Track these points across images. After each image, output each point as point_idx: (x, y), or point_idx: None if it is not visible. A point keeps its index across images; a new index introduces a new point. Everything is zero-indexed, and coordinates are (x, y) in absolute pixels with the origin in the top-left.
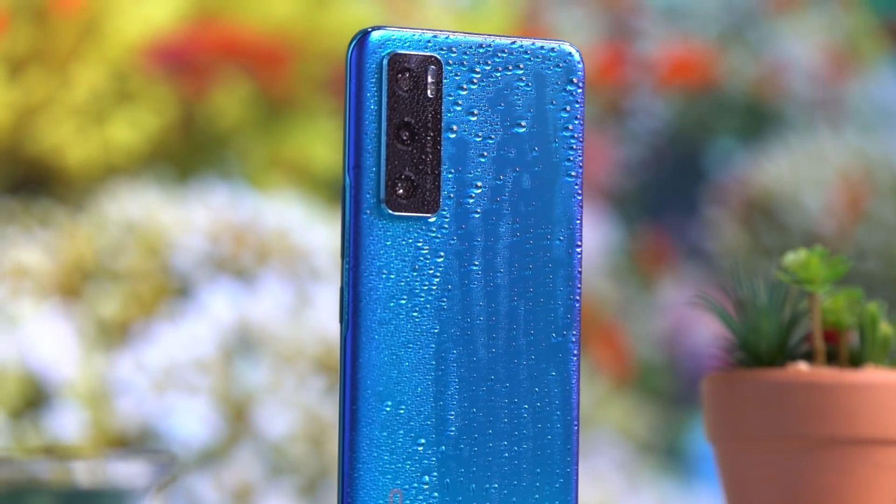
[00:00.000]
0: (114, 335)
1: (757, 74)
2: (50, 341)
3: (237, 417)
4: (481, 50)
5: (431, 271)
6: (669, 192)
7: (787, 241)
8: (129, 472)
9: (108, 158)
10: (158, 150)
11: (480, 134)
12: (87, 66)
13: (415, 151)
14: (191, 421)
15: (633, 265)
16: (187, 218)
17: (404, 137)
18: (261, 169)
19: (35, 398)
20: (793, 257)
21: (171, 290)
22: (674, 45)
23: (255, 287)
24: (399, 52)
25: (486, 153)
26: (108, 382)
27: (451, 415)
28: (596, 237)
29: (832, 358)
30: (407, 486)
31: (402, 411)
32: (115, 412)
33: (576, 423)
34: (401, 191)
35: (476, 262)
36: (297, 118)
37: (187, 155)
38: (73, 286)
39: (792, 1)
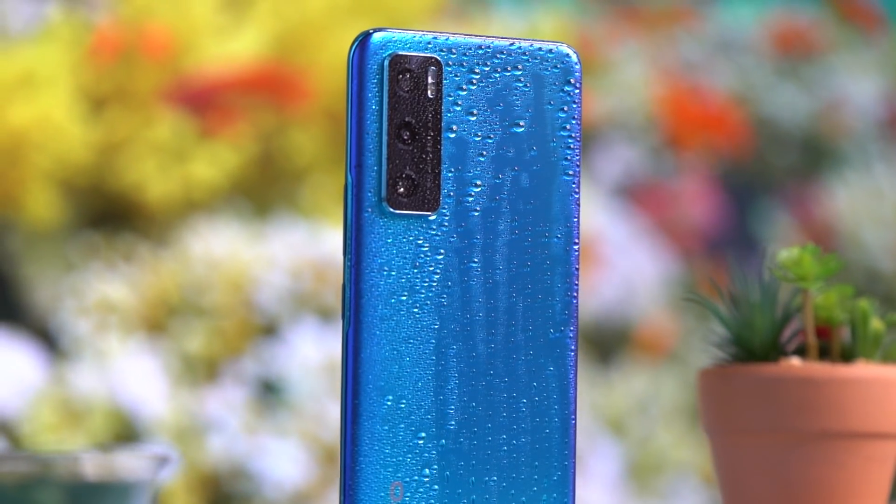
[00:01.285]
0: (199, 371)
1: (813, 110)
2: (138, 377)
3: (328, 459)
4: (480, 51)
5: (432, 268)
6: (728, 225)
7: (848, 279)
8: (134, 465)
9: (188, 194)
10: (237, 186)
11: (480, 133)
12: (169, 105)
13: (415, 151)
14: (283, 462)
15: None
16: (268, 254)
17: (405, 137)
18: (336, 205)
19: (124, 434)
20: (786, 254)
21: (255, 327)
22: (730, 78)
23: (339, 325)
24: (400, 53)
25: (485, 152)
26: (197, 419)
27: (451, 409)
28: (655, 269)
29: (824, 353)
30: (408, 479)
31: (402, 406)
32: (205, 450)
33: (573, 417)
34: (402, 189)
35: (475, 260)
36: None
37: (264, 191)
38: (158, 321)
39: (843, 38)
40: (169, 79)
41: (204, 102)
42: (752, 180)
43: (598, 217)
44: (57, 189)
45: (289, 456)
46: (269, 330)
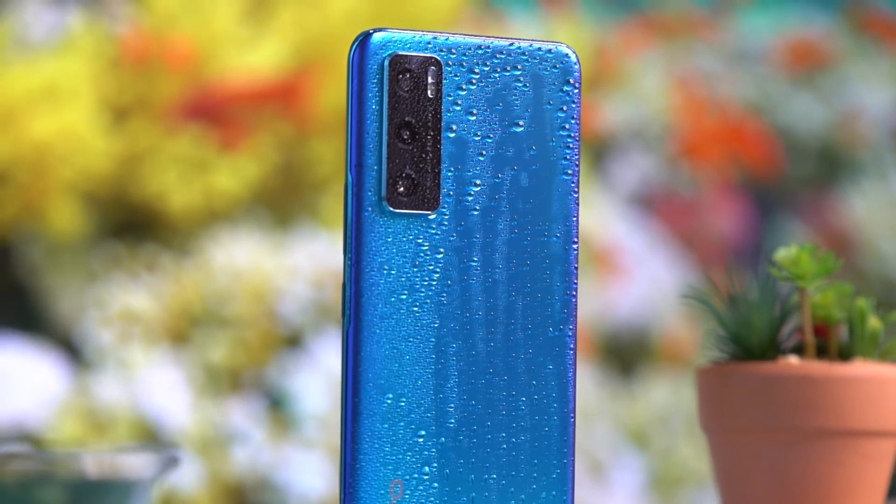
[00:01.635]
0: (223, 382)
1: (829, 120)
2: (161, 387)
3: None
4: (480, 51)
5: (431, 267)
6: (746, 235)
7: (864, 288)
8: (135, 464)
9: (209, 205)
10: (258, 197)
11: (479, 133)
12: (183, 119)
13: (415, 150)
14: (307, 474)
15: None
16: (290, 265)
17: (405, 136)
18: None
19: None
20: (784, 253)
21: (278, 337)
22: (746, 89)
23: None
24: (400, 53)
25: (484, 152)
26: (221, 430)
27: (451, 407)
28: (674, 279)
29: (822, 352)
30: (408, 477)
31: (402, 404)
32: (230, 461)
33: (572, 415)
34: (402, 189)
35: (475, 259)
36: None
37: (286, 201)
38: (181, 331)
39: (859, 48)
40: (191, 90)
41: (216, 116)
42: (768, 190)
43: (616, 227)
44: (80, 200)
45: (313, 468)
46: (292, 340)
